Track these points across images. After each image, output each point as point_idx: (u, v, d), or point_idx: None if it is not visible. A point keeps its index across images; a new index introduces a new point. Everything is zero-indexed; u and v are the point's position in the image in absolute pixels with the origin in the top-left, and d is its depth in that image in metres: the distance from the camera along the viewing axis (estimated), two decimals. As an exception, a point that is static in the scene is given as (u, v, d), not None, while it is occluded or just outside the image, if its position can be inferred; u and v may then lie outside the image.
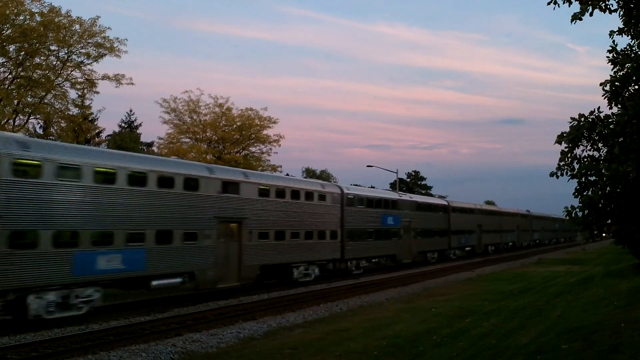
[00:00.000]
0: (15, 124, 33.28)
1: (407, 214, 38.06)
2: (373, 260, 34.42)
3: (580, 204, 9.80)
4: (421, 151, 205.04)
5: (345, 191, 31.32)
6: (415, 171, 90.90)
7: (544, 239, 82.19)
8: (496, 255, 53.13)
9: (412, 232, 38.61)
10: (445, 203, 48.33)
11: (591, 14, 9.59)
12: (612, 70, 10.49)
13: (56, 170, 15.98)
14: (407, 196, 41.45)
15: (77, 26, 33.20)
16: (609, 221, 10.44)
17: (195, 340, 13.80)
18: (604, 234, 12.60)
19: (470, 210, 52.80)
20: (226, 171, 23.87)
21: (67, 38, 32.98)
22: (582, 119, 10.19)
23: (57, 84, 34.09)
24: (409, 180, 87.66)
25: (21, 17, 31.56)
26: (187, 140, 46.31)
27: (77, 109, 36.06)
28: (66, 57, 33.89)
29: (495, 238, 58.57)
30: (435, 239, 43.17)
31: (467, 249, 51.24)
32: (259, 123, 46.57)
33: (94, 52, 34.26)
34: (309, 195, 27.78)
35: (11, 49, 32.28)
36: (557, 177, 10.17)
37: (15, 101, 32.29)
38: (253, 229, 23.33)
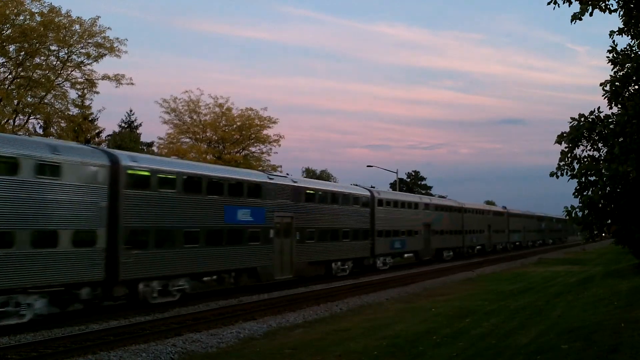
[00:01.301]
0: (15, 124, 33.29)
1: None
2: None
3: (580, 204, 9.81)
4: (421, 151, 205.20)
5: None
6: (415, 171, 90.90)
7: (526, 240, 71.24)
8: (494, 256, 53.03)
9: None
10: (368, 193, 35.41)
11: (591, 14, 9.60)
12: (612, 70, 10.50)
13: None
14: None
15: (77, 26, 33.24)
16: (609, 221, 10.45)
17: (195, 340, 13.79)
18: (604, 234, 12.60)
19: (409, 204, 39.29)
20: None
21: (67, 38, 32.98)
22: (582, 119, 10.19)
23: (57, 84, 34.10)
24: (409, 180, 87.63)
25: (21, 17, 31.57)
26: (187, 140, 46.33)
27: (77, 109, 36.09)
28: (66, 57, 33.92)
29: (453, 240, 47.03)
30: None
31: (406, 255, 41.01)
32: (258, 123, 46.57)
33: (94, 52, 34.29)
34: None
35: (11, 49, 32.30)
36: (557, 177, 10.18)
37: (15, 101, 32.29)
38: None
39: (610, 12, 9.84)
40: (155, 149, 49.59)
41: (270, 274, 24.68)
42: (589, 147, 10.41)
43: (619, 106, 10.39)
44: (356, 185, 36.72)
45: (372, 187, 42.78)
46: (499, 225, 59.52)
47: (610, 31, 10.34)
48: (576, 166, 10.20)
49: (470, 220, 50.42)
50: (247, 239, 23.02)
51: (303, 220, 26.83)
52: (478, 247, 53.21)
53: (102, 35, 33.84)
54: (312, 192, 28.35)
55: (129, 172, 18.17)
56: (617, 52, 10.49)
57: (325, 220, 28.80)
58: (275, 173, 30.29)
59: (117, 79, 35.03)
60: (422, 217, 40.72)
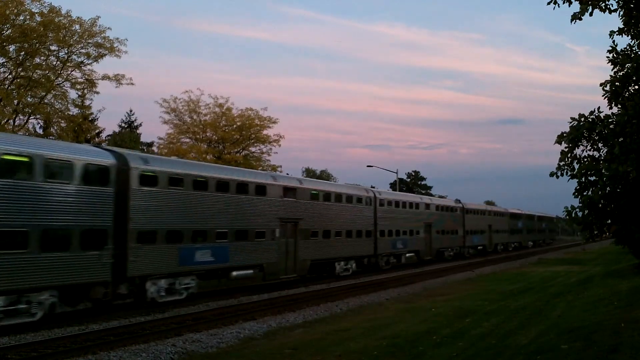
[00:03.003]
0: (15, 124, 33.26)
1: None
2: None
3: (580, 204, 9.80)
4: (421, 151, 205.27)
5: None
6: (415, 171, 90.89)
7: (492, 243, 56.52)
8: (494, 256, 52.87)
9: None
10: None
11: (591, 14, 9.59)
12: (612, 70, 10.49)
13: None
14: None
15: (77, 26, 33.18)
16: (609, 221, 10.43)
17: (195, 340, 13.79)
18: (604, 234, 12.59)
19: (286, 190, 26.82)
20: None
21: (67, 38, 32.94)
22: (582, 119, 10.19)
23: (57, 84, 34.05)
24: (409, 180, 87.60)
25: (21, 17, 31.53)
26: (187, 140, 46.28)
27: (77, 109, 36.01)
28: (66, 57, 33.87)
29: (347, 248, 30.89)
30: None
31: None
32: (258, 123, 46.53)
33: (94, 52, 34.24)
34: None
35: (11, 49, 32.24)
36: (557, 177, 10.17)
37: (15, 101, 32.25)
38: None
39: (610, 12, 9.84)
40: (155, 149, 49.58)
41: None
42: (589, 147, 10.40)
43: (619, 106, 10.38)
44: (357, 185, 36.78)
45: (372, 187, 42.88)
46: (447, 224, 45.54)
47: (610, 31, 10.33)
48: (576, 166, 10.19)
49: (396, 217, 36.73)
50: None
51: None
52: (409, 254, 39.20)
53: (102, 35, 33.81)
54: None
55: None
56: (617, 52, 10.48)
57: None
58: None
59: (117, 79, 35.01)
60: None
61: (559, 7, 9.74)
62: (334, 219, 29.78)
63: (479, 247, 53.59)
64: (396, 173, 59.95)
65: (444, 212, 45.54)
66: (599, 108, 10.30)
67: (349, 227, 31.15)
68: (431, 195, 76.89)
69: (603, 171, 9.70)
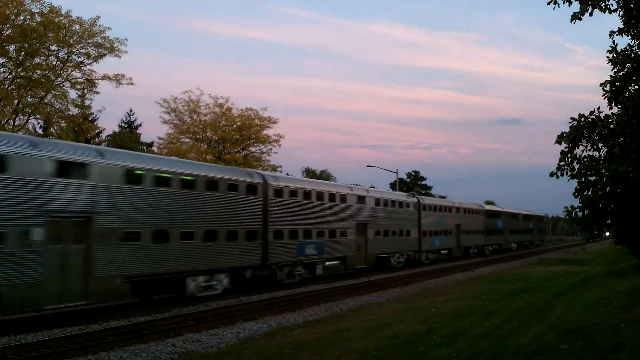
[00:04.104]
0: (15, 124, 33.27)
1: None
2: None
3: (580, 204, 9.79)
4: (421, 151, 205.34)
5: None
6: (415, 171, 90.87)
7: (461, 246, 47.81)
8: (494, 256, 52.77)
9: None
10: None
11: (591, 14, 9.59)
12: (612, 70, 10.47)
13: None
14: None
15: (77, 26, 33.20)
16: (609, 221, 10.43)
17: (195, 340, 13.79)
18: (604, 234, 12.59)
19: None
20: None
21: (67, 38, 32.95)
22: (582, 119, 10.17)
23: (57, 84, 34.07)
24: (409, 180, 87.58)
25: (21, 17, 31.54)
26: (187, 140, 46.34)
27: (77, 109, 36.06)
28: (66, 57, 33.89)
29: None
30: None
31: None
32: (259, 123, 46.57)
33: (94, 52, 34.27)
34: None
35: (11, 49, 32.27)
36: (557, 177, 10.15)
37: (15, 101, 32.27)
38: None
39: (610, 12, 9.82)
40: (155, 149, 49.60)
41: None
42: (589, 147, 10.38)
43: (619, 106, 10.37)
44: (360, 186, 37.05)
45: (371, 186, 42.97)
46: (394, 223, 37.05)
47: (610, 31, 10.32)
48: (576, 166, 10.17)
49: (322, 214, 29.43)
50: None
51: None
52: (330, 263, 29.91)
53: (102, 35, 33.84)
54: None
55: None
56: (617, 52, 10.46)
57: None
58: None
59: (117, 79, 35.03)
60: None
61: (558, 7, 9.73)
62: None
63: (442, 251, 45.43)
64: (396, 173, 59.99)
65: (388, 208, 36.63)
66: (599, 108, 10.29)
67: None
68: (431, 195, 76.54)
69: (603, 171, 9.69)
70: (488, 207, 57.97)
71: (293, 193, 26.91)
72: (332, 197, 30.09)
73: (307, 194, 28.06)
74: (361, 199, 33.62)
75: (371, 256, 34.10)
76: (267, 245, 24.69)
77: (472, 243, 51.39)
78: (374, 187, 49.61)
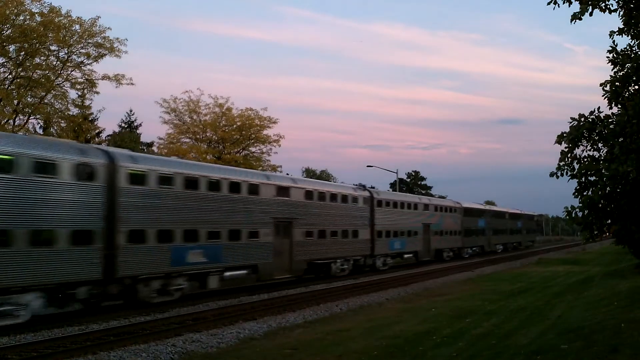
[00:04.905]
0: (15, 124, 33.27)
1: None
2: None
3: (580, 204, 9.78)
4: (420, 151, 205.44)
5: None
6: (415, 171, 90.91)
7: (432, 248, 42.45)
8: (497, 256, 52.72)
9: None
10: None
11: (591, 14, 9.59)
12: (612, 70, 10.47)
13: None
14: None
15: (77, 26, 33.23)
16: (609, 221, 10.41)
17: (195, 340, 13.79)
18: (604, 234, 12.58)
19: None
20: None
21: (67, 38, 32.96)
22: (582, 119, 10.16)
23: (57, 84, 34.09)
24: (409, 180, 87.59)
25: (21, 17, 31.55)
26: (187, 140, 46.36)
27: (77, 109, 36.09)
28: (66, 57, 33.90)
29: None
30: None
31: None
32: (259, 123, 46.59)
33: (94, 52, 34.29)
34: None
35: (11, 49, 32.28)
36: (557, 177, 10.15)
37: (15, 101, 32.28)
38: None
39: (610, 12, 9.83)
40: (155, 149, 49.59)
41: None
42: (589, 147, 10.37)
43: (619, 106, 10.36)
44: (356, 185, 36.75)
45: (371, 186, 42.83)
46: (336, 221, 30.20)
47: (610, 31, 10.31)
48: (576, 166, 10.16)
49: (218, 209, 22.43)
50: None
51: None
52: (232, 273, 22.82)
53: (102, 35, 33.87)
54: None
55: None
56: (617, 52, 10.45)
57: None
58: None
59: (117, 79, 35.04)
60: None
61: (558, 7, 9.73)
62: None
63: (405, 256, 39.02)
64: (396, 173, 60.01)
65: (327, 203, 29.76)
66: (599, 108, 10.28)
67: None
68: (431, 195, 76.21)
69: (603, 171, 9.68)
70: (466, 205, 51.14)
71: (165, 180, 19.85)
72: (234, 187, 22.82)
73: (191, 182, 20.87)
74: (283, 190, 26.14)
75: (299, 263, 26.91)
76: (116, 252, 17.91)
77: (445, 245, 45.31)
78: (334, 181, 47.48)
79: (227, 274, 22.52)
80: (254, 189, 24.11)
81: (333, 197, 30.54)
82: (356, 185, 35.39)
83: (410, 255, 39.89)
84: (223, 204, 22.29)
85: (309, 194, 28.23)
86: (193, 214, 20.75)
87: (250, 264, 23.52)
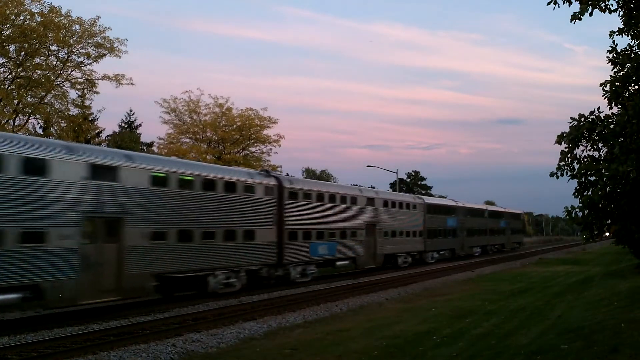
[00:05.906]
0: (15, 124, 33.25)
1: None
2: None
3: (580, 204, 9.78)
4: (420, 151, 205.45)
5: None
6: (415, 171, 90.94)
7: (379, 254, 34.24)
8: (496, 256, 52.76)
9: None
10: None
11: (591, 14, 9.59)
12: (612, 70, 10.47)
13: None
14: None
15: (77, 26, 33.18)
16: (609, 221, 10.42)
17: (195, 340, 13.78)
18: (604, 234, 12.58)
19: None
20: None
21: (67, 38, 32.93)
22: (582, 119, 10.16)
23: (57, 84, 34.04)
24: (409, 180, 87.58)
25: (21, 17, 31.52)
26: (187, 140, 46.32)
27: (77, 109, 36.00)
28: (66, 57, 33.86)
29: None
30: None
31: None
32: (259, 123, 46.55)
33: (94, 52, 34.24)
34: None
35: (11, 49, 32.24)
36: (557, 177, 10.15)
37: (15, 101, 32.24)
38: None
39: (610, 12, 9.83)
40: (155, 149, 49.59)
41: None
42: (589, 147, 10.37)
43: (619, 106, 10.36)
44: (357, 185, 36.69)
45: (372, 186, 42.70)
46: (226, 218, 22.57)
47: (610, 31, 10.31)
48: (576, 166, 10.16)
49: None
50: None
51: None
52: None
53: (102, 35, 33.81)
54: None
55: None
56: (617, 52, 10.45)
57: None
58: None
59: (117, 79, 35.00)
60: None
61: (558, 7, 9.73)
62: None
63: (338, 263, 30.97)
64: (396, 173, 59.99)
65: (210, 193, 21.80)
66: (599, 108, 10.28)
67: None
68: (431, 195, 75.95)
69: (603, 171, 9.68)
70: (430, 200, 45.48)
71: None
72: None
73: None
74: (116, 171, 18.01)
75: (132, 278, 18.12)
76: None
77: (400, 249, 37.23)
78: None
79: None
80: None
81: (209, 185, 21.80)
82: (260, 170, 29.62)
83: (346, 262, 31.81)
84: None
85: (187, 183, 20.73)
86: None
87: (31, 283, 15.29)
